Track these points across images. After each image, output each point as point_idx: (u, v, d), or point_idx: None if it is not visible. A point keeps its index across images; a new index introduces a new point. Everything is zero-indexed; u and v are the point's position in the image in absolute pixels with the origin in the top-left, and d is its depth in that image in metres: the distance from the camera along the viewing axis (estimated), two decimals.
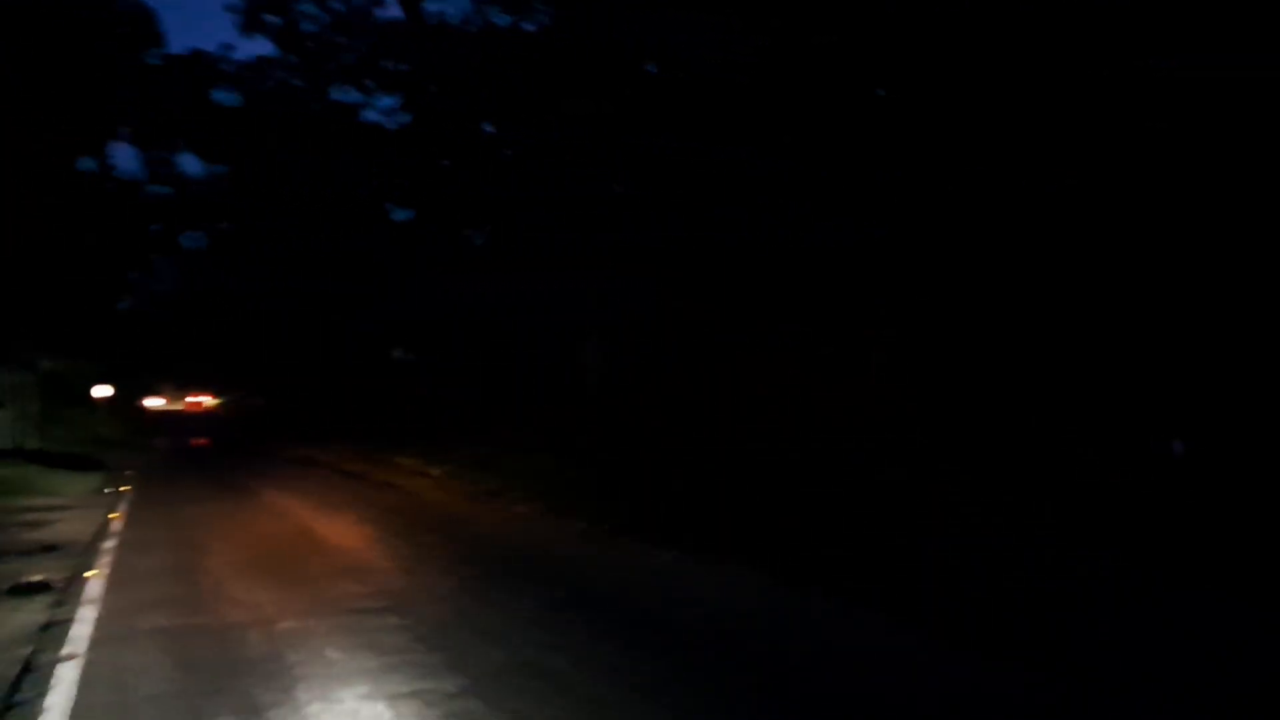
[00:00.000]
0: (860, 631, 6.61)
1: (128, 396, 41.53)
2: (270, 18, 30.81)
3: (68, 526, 12.31)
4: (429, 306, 28.32)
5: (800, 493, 11.61)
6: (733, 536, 9.77)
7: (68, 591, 8.30)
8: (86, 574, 8.95)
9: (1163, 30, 12.05)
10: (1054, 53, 13.16)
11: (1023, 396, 12.84)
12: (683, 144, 17.93)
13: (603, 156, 20.48)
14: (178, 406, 62.60)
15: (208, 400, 63.99)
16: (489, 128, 27.36)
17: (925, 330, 15.10)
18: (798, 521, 10.19)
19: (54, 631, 6.93)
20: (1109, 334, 12.37)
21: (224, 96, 33.18)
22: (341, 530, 11.57)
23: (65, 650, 6.37)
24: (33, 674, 5.98)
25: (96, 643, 6.61)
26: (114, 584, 8.57)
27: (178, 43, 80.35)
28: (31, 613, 7.53)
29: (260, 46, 45.19)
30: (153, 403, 57.25)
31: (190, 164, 39.46)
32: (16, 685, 5.75)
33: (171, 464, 24.21)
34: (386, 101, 31.40)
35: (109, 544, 10.80)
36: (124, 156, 43.67)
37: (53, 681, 5.80)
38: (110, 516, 13.08)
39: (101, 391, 30.70)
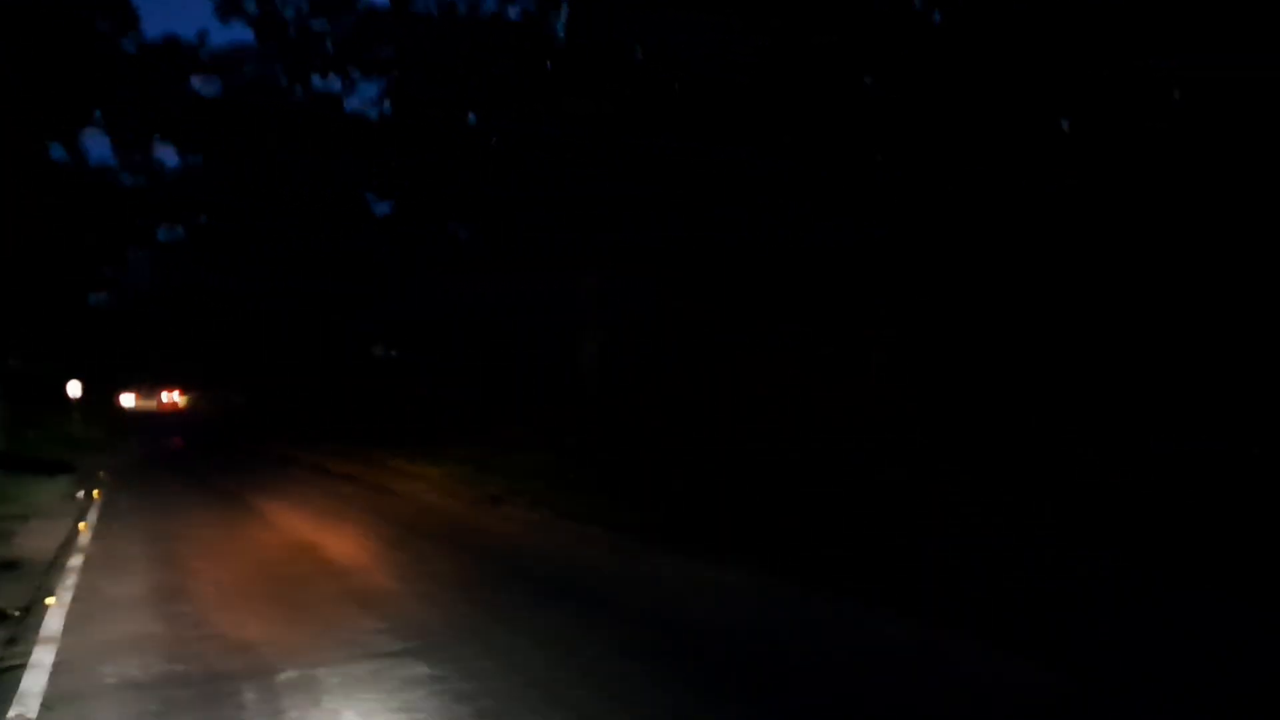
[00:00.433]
0: (860, 632, 6.61)
1: (102, 395, 40.24)
2: (248, 3, 30.09)
3: (31, 539, 11.08)
4: (420, 305, 28.19)
5: (800, 492, 11.61)
6: (745, 540, 9.76)
7: (24, 624, 7.11)
8: (47, 600, 7.77)
9: (1163, 30, 12.05)
10: (1054, 53, 13.16)
11: (1023, 396, 12.85)
12: (683, 144, 17.93)
13: (602, 156, 20.49)
14: (152, 405, 60.50)
15: (180, 398, 62.00)
16: (474, 118, 26.99)
17: (925, 330, 15.11)
18: (798, 521, 10.19)
19: (2, 683, 5.75)
20: (1109, 334, 12.38)
21: (201, 85, 32.31)
22: (341, 543, 10.54)
23: (12, 713, 5.27)
24: None
25: (51, 702, 5.41)
26: (78, 616, 7.34)
27: (153, 28, 77.56)
28: None
29: (238, 33, 43.70)
30: (128, 401, 55.16)
31: (167, 155, 38.60)
32: None
33: (148, 466, 22.79)
34: (370, 90, 30.77)
35: (75, 561, 9.60)
36: (97, 146, 42.54)
37: None
38: (79, 527, 11.88)
39: (74, 390, 29.16)
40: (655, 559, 9.34)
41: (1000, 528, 9.24)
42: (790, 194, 16.52)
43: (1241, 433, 10.11)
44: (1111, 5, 12.62)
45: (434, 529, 11.92)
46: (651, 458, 15.36)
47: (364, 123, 30.68)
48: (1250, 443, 9.83)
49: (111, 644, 6.48)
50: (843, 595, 7.37)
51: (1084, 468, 10.58)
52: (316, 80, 31.58)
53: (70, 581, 8.59)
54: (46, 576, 8.81)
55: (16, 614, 7.30)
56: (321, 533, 11.24)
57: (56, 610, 7.46)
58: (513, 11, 25.26)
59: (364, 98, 31.72)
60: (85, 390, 29.73)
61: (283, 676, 5.71)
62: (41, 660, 6.15)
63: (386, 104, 30.24)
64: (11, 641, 6.60)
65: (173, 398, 62.38)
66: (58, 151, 29.73)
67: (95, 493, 15.58)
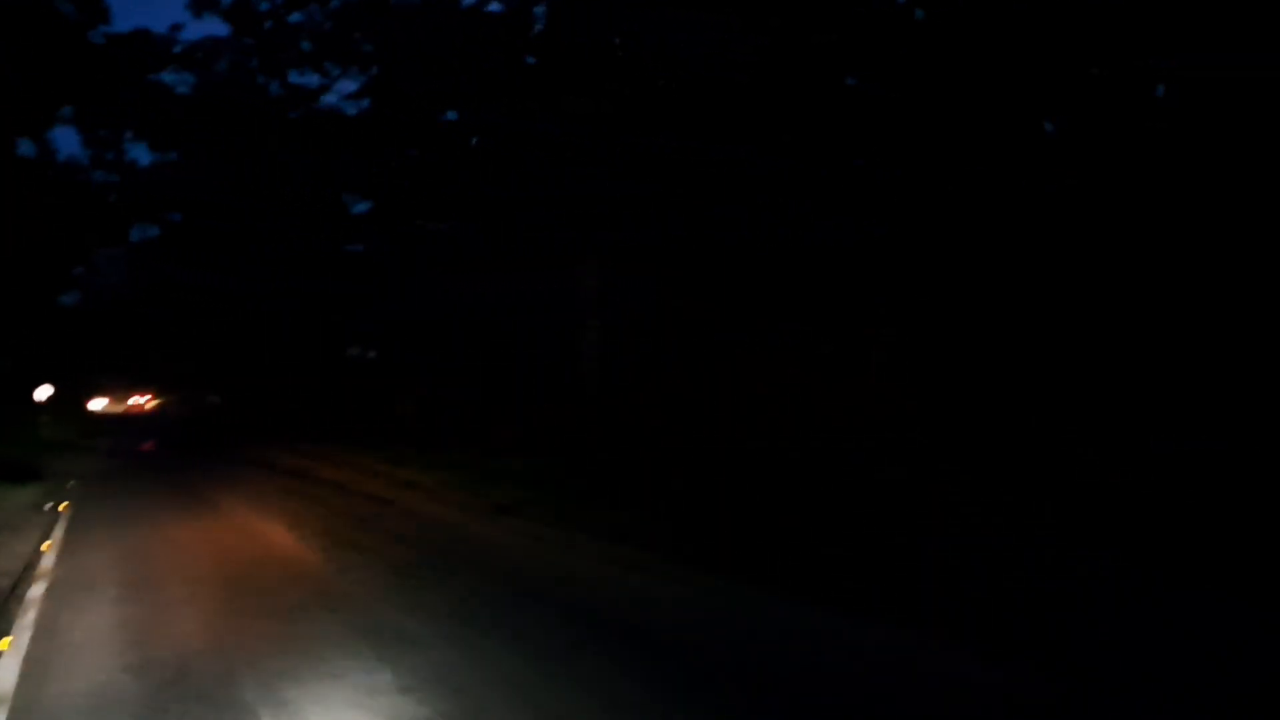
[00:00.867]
0: (859, 633, 6.60)
1: (73, 397, 39.00)
2: None
3: None
4: (417, 304, 27.92)
5: (800, 493, 11.60)
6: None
7: None
8: (2, 643, 6.72)
9: (1162, 30, 12.05)
10: (1054, 53, 13.15)
11: (1023, 396, 12.84)
12: (683, 143, 17.93)
13: (602, 155, 20.47)
14: (121, 409, 58.54)
15: (150, 401, 60.43)
16: (456, 115, 26.56)
17: (925, 330, 15.10)
18: (798, 521, 10.18)
19: None
20: (1108, 334, 12.37)
21: (174, 79, 31.41)
22: (344, 569, 9.12)
23: None
24: None
25: None
26: (36, 664, 6.24)
27: (124, 21, 74.87)
28: None
29: (212, 27, 43.42)
30: (98, 404, 53.37)
31: (139, 153, 38.44)
32: None
33: (119, 473, 21.44)
34: (348, 86, 30.07)
35: (37, 590, 8.43)
36: (67, 141, 41.57)
37: None
38: (43, 547, 10.63)
39: (43, 393, 27.86)
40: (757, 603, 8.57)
41: (1000, 528, 9.24)
42: (790, 193, 16.51)
43: (1241, 433, 10.10)
44: (1111, 5, 12.62)
45: (448, 551, 10.44)
46: (652, 458, 15.34)
47: (341, 118, 29.85)
48: (1250, 443, 9.82)
49: (75, 705, 5.47)
50: (843, 599, 7.36)
51: (1084, 468, 10.57)
52: (294, 75, 30.84)
53: (30, 617, 7.47)
54: (3, 610, 7.76)
55: None
56: (318, 556, 9.88)
57: (11, 658, 6.39)
58: (495, 7, 24.93)
59: (342, 93, 31.36)
60: (55, 393, 28.76)
61: None
62: None
63: (365, 100, 29.52)
64: None
65: (141, 401, 60.57)
66: (26, 148, 28.88)
67: (63, 505, 14.38)
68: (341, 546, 10.41)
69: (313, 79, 30.48)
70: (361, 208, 31.71)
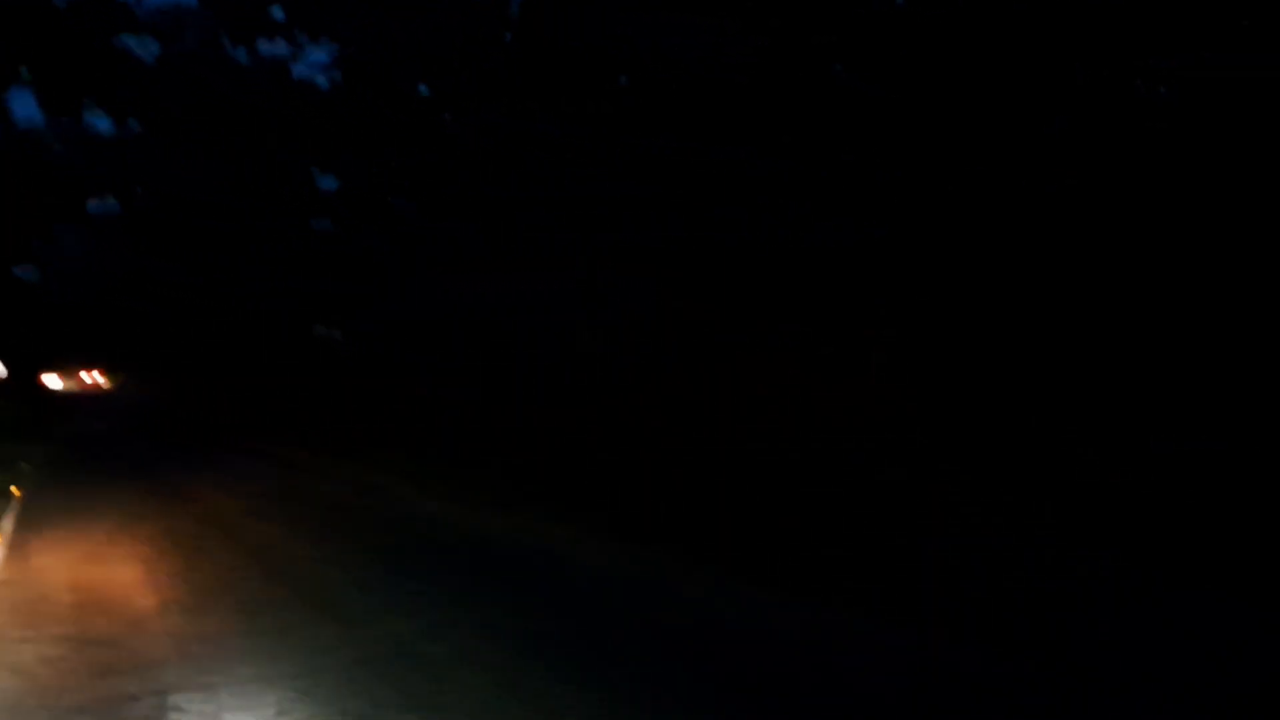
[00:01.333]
0: (859, 633, 6.60)
1: (28, 376, 37.66)
2: None
3: None
4: (406, 304, 27.58)
5: (800, 493, 11.60)
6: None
7: None
8: None
9: (1163, 30, 12.05)
10: (1055, 53, 13.16)
11: (1023, 396, 12.84)
12: (683, 144, 17.92)
13: (602, 156, 20.47)
14: (77, 385, 56.53)
15: (104, 379, 58.42)
16: (425, 89, 25.72)
17: (925, 330, 15.10)
18: (798, 522, 10.19)
19: None
20: (1109, 334, 12.37)
21: (136, 45, 29.78)
22: (349, 587, 8.03)
23: None
24: None
25: None
26: None
27: None
28: None
29: None
30: (53, 382, 50.88)
31: (100, 122, 34.64)
32: None
33: (79, 456, 20.31)
34: (319, 56, 28.96)
35: None
36: (24, 106, 39.81)
37: None
38: None
39: None
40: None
41: (1000, 528, 9.24)
42: (790, 194, 16.51)
43: (1241, 433, 10.10)
44: (1112, 4, 12.62)
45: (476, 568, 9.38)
46: (652, 458, 15.35)
47: (312, 90, 28.75)
48: (1250, 443, 9.82)
49: None
50: (841, 600, 7.36)
51: (1084, 468, 10.57)
52: (263, 45, 29.63)
53: None
54: None
55: None
56: (314, 563, 9.15)
57: None
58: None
59: (313, 64, 29.73)
60: (9, 370, 27.44)
61: None
62: None
63: (336, 72, 28.56)
64: None
65: (96, 378, 58.39)
66: None
67: (15, 490, 13.27)
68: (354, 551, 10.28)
69: (282, 48, 29.40)
70: (329, 184, 30.76)
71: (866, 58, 15.78)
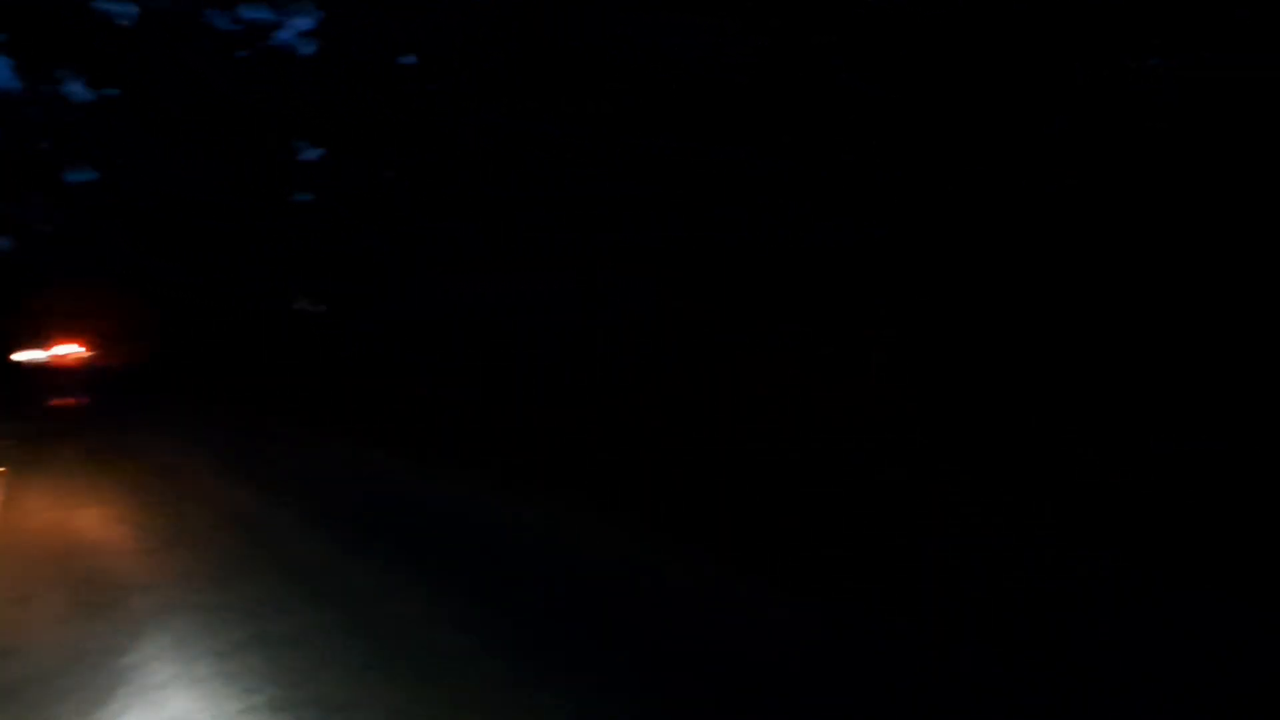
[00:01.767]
0: (859, 633, 6.61)
1: (2, 350, 36.95)
2: None
3: None
4: (406, 305, 27.42)
5: (800, 492, 11.61)
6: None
7: None
8: None
9: (1163, 30, 12.05)
10: (1055, 53, 13.15)
11: (1023, 397, 12.84)
12: (683, 144, 17.92)
13: (602, 156, 20.46)
14: (52, 358, 53.27)
15: (78, 351, 55.53)
16: (411, 59, 25.45)
17: (925, 330, 15.10)
18: (797, 520, 10.19)
19: None
20: (1108, 334, 12.37)
21: (116, 10, 28.86)
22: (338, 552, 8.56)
23: None
24: None
25: None
26: None
27: None
28: None
29: None
30: (27, 356, 48.37)
31: (77, 91, 33.69)
32: None
33: (58, 434, 18.85)
34: (304, 23, 28.16)
35: None
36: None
37: None
38: None
39: None
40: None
41: (1000, 528, 9.24)
42: (790, 194, 16.51)
43: (1241, 433, 10.11)
44: (1112, 4, 12.62)
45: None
46: (651, 458, 15.35)
47: (293, 57, 28.30)
48: (1250, 443, 9.83)
49: None
50: (840, 599, 7.36)
51: (1084, 468, 10.58)
52: (245, 10, 29.03)
53: None
54: None
55: None
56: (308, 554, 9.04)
57: None
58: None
59: (297, 30, 28.97)
60: None
61: None
62: None
63: (318, 40, 28.01)
64: None
65: (67, 351, 57.95)
66: None
67: None
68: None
69: (265, 13, 28.79)
70: (313, 155, 30.28)
71: (866, 58, 15.78)
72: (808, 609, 7.21)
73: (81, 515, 9.70)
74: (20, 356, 47.08)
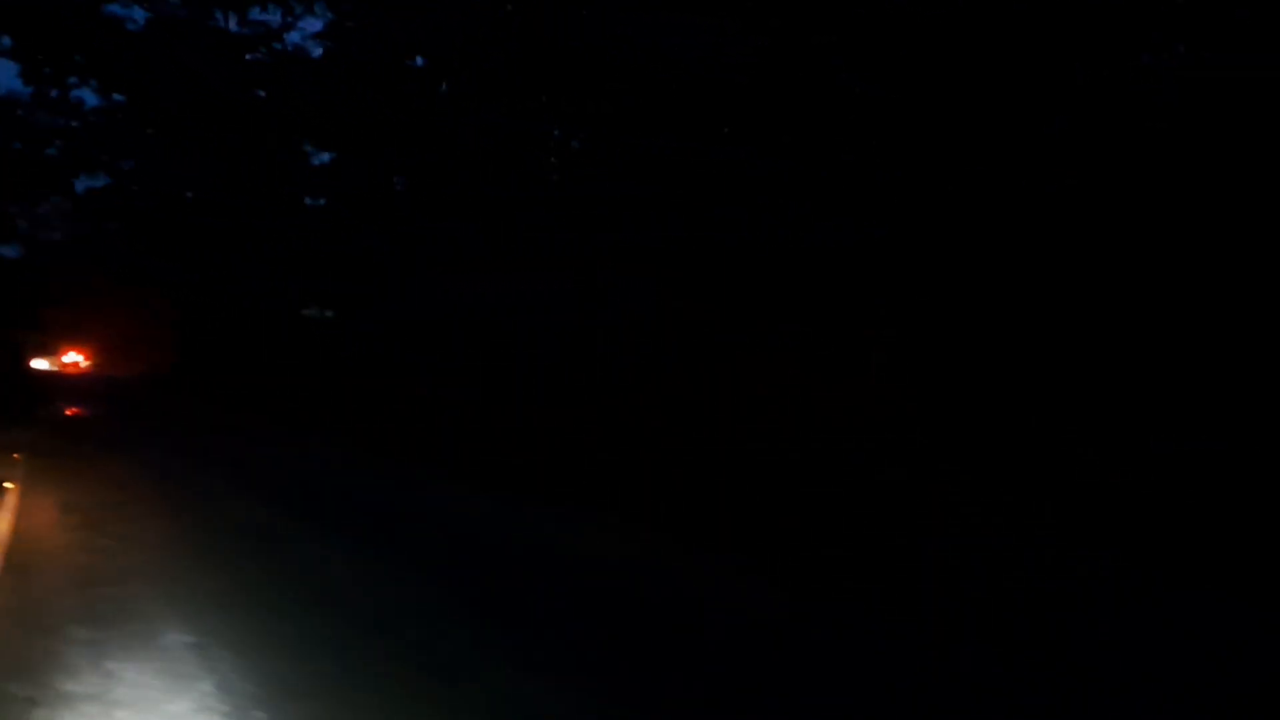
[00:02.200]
0: (859, 632, 6.61)
1: (14, 358, 35.11)
2: None
3: None
4: (406, 304, 27.25)
5: (800, 492, 11.61)
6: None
7: None
8: None
9: (1163, 29, 12.06)
10: (1055, 53, 13.16)
11: (1023, 396, 12.85)
12: (683, 144, 17.93)
13: (602, 156, 20.48)
14: (58, 366, 52.34)
15: (84, 359, 54.88)
16: (420, 60, 25.01)
17: (925, 330, 15.11)
18: (798, 521, 10.19)
19: None
20: (1108, 334, 12.38)
21: (125, 14, 28.52)
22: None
23: None
24: None
25: None
26: None
27: None
28: None
29: None
30: (41, 364, 47.02)
31: (86, 96, 33.84)
32: None
33: (75, 443, 18.59)
34: (313, 25, 28.10)
35: None
36: (5, 76, 37.15)
37: None
38: None
39: None
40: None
41: (1000, 528, 9.24)
42: (790, 194, 16.52)
43: (1241, 433, 10.11)
44: (1112, 4, 12.63)
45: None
46: (652, 458, 15.35)
47: (305, 60, 27.88)
48: (1250, 443, 9.83)
49: None
50: (841, 598, 7.37)
51: (1084, 468, 10.58)
52: (255, 12, 29.01)
53: None
54: None
55: None
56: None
57: None
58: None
59: (306, 32, 29.42)
60: None
61: None
62: None
63: (328, 41, 27.76)
64: None
65: (78, 360, 54.29)
66: None
67: (7, 483, 11.55)
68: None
69: (275, 16, 28.71)
70: (323, 158, 30.18)
71: (866, 58, 15.78)
72: (808, 609, 7.21)
73: (89, 533, 9.28)
74: (36, 364, 45.34)
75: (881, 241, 15.35)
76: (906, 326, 15.35)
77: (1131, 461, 10.45)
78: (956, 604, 6.96)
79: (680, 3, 17.41)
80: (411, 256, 29.11)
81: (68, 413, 28.05)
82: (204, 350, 35.37)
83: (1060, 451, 11.23)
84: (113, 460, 16.04)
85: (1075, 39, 12.86)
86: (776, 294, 17.06)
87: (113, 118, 31.19)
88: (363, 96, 25.32)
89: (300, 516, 11.81)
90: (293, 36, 29.01)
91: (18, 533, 8.96)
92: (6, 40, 27.46)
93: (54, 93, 30.26)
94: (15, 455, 14.52)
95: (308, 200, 30.32)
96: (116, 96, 30.62)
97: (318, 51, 28.25)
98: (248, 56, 29.03)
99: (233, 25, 29.57)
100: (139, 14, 28.50)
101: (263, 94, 28.00)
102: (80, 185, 33.70)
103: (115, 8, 28.34)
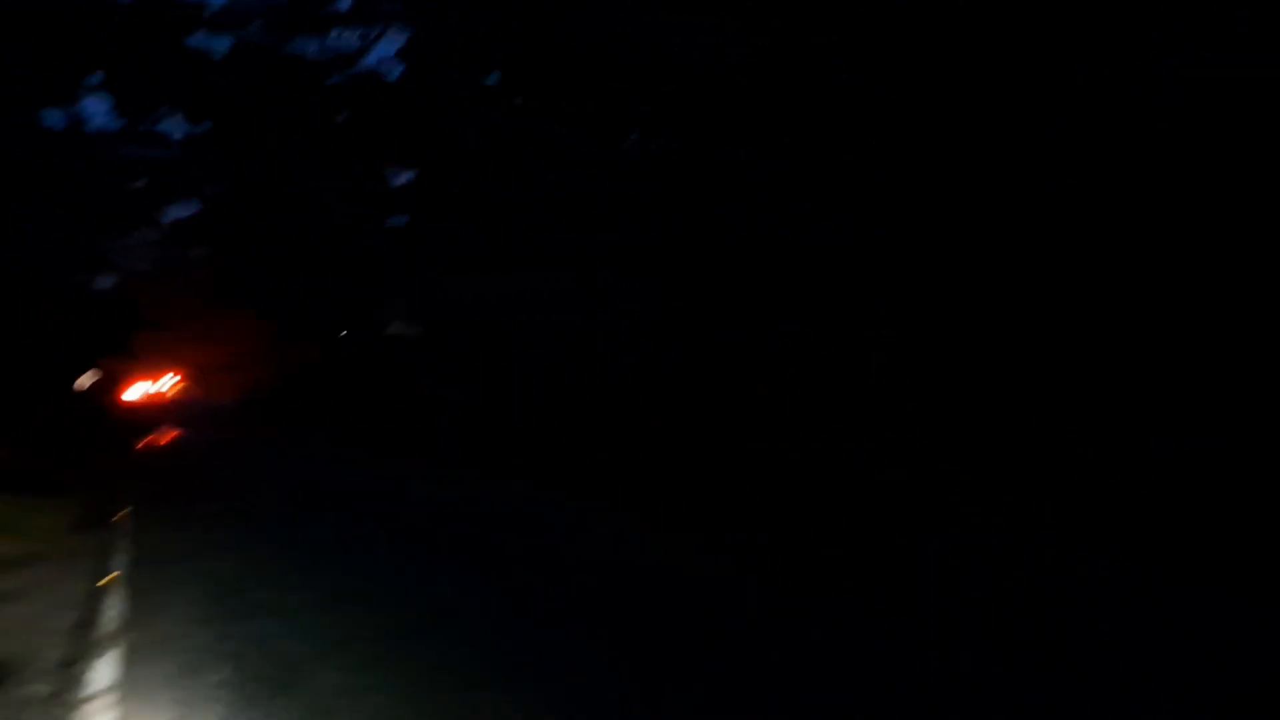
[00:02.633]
0: (859, 632, 6.61)
1: (110, 387, 34.93)
2: None
3: (22, 611, 6.39)
4: (406, 304, 27.27)
5: (800, 492, 11.61)
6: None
7: None
8: None
9: (1163, 29, 12.05)
10: (1055, 53, 13.16)
11: (1023, 397, 12.85)
12: (683, 144, 17.93)
13: (602, 156, 20.48)
14: (145, 397, 47.88)
15: (177, 385, 50.24)
16: (492, 80, 25.18)
17: (925, 330, 15.11)
18: (798, 521, 10.19)
19: None
20: (1108, 333, 12.38)
21: (208, 45, 29.37)
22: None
23: None
24: None
25: None
26: None
27: None
28: None
29: None
30: (134, 393, 44.69)
31: (173, 127, 33.72)
32: None
33: (179, 478, 16.67)
34: (388, 49, 28.66)
35: (104, 673, 5.05)
36: (97, 112, 37.48)
37: None
38: (101, 583, 7.09)
39: (86, 380, 24.29)
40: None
41: (1000, 528, 9.24)
42: (790, 194, 16.51)
43: (1241, 433, 10.11)
44: (1112, 4, 12.63)
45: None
46: (652, 458, 15.36)
47: (380, 83, 28.41)
48: (1250, 443, 9.83)
49: None
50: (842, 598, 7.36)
51: (1084, 468, 10.58)
52: (332, 38, 29.56)
53: None
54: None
55: None
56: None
57: None
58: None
59: (382, 56, 29.32)
60: (94, 380, 26.13)
61: None
62: None
63: (403, 64, 28.10)
64: None
65: (162, 388, 49.48)
66: (55, 118, 26.65)
67: (119, 514, 10.39)
68: None
69: (352, 41, 29.17)
70: (405, 178, 30.32)
71: (866, 58, 15.78)
72: (807, 609, 7.21)
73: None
74: (130, 394, 43.35)
75: (881, 241, 15.35)
76: (906, 326, 15.34)
77: (1131, 461, 10.45)
78: (956, 604, 6.95)
79: (680, 3, 17.41)
80: (410, 255, 29.06)
81: (163, 441, 26.94)
82: (302, 373, 35.43)
83: (1060, 451, 11.23)
84: (234, 519, 11.61)
85: (1075, 39, 12.85)
86: (776, 294, 17.05)
87: (199, 147, 31.68)
88: (445, 115, 25.53)
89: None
90: (371, 60, 29.42)
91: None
92: (98, 76, 27.79)
93: (143, 125, 30.79)
94: (120, 514, 11.18)
95: (390, 220, 30.60)
96: (203, 125, 31.09)
97: (395, 72, 28.72)
98: (329, 80, 29.49)
99: (312, 49, 30.14)
100: (223, 43, 29.33)
101: (345, 116, 28.26)
102: (169, 214, 34.45)
103: (199, 40, 29.12)
